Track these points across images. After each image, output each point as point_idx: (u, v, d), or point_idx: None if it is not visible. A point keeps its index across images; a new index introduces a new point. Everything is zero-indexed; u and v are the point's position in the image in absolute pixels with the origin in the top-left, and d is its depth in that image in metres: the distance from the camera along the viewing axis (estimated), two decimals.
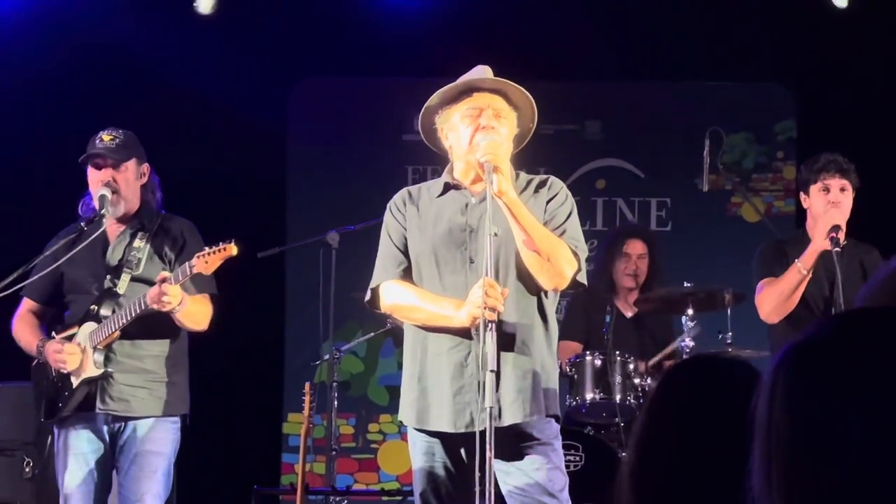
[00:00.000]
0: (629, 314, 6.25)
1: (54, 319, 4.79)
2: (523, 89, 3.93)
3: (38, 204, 6.30)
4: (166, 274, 4.34)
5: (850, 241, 5.01)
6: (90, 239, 4.59)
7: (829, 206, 4.88)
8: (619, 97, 7.91)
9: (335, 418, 6.44)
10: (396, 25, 7.35)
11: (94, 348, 4.52)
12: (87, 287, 4.65)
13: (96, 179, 4.64)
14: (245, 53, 7.47)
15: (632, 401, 5.80)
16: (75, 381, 4.56)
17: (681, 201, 7.81)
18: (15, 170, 7.13)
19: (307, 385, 5.40)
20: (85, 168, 4.69)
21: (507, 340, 3.77)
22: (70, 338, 4.60)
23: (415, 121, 4.06)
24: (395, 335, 6.51)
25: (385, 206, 4.08)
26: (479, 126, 3.84)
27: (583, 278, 3.91)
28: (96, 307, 4.58)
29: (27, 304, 4.79)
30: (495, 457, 3.57)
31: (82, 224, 4.65)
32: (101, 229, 4.61)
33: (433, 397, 3.84)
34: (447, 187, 3.98)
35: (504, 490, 3.78)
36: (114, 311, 4.54)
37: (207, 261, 4.30)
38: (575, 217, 3.95)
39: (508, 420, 3.76)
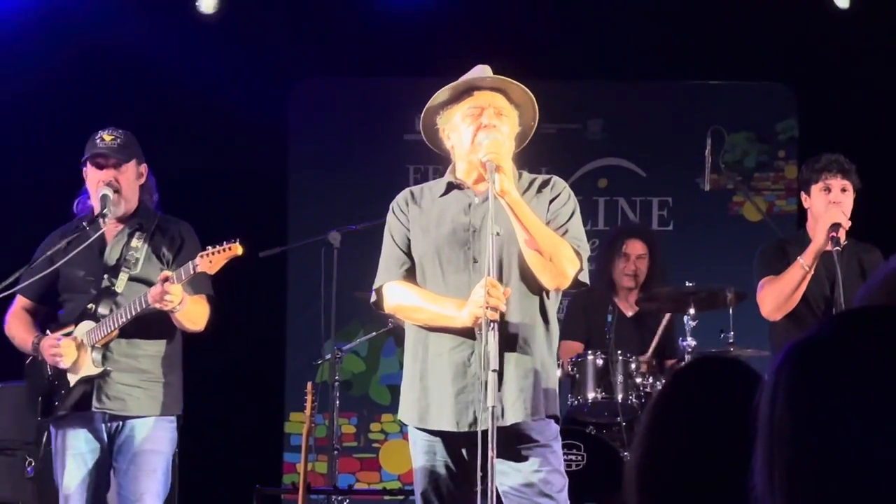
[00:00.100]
0: (630, 313, 6.25)
1: (48, 318, 4.75)
2: (524, 86, 3.92)
3: (38, 204, 6.29)
4: (169, 273, 4.32)
5: (851, 240, 5.01)
6: (90, 239, 4.57)
7: (830, 205, 4.88)
8: (621, 96, 7.91)
9: (337, 418, 6.45)
10: (397, 25, 7.34)
11: (93, 347, 4.51)
12: (83, 286, 4.62)
13: (97, 179, 4.61)
14: (246, 53, 7.47)
15: (633, 400, 5.80)
16: (72, 379, 4.55)
17: (682, 200, 7.80)
18: (15, 169, 7.12)
19: (309, 384, 5.40)
20: (83, 167, 4.66)
21: (509, 340, 3.76)
22: (66, 335, 4.58)
23: (416, 120, 4.07)
24: (396, 335, 6.51)
25: (387, 206, 4.07)
26: (480, 125, 3.84)
27: (585, 278, 3.91)
28: (94, 306, 4.56)
29: (21, 302, 4.75)
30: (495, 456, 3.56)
31: (84, 224, 4.62)
32: (102, 229, 4.59)
33: (434, 397, 3.83)
34: (450, 187, 3.97)
35: (501, 490, 3.77)
36: (112, 310, 4.52)
37: (212, 260, 4.29)
38: (577, 217, 3.95)
39: (511, 419, 3.76)
